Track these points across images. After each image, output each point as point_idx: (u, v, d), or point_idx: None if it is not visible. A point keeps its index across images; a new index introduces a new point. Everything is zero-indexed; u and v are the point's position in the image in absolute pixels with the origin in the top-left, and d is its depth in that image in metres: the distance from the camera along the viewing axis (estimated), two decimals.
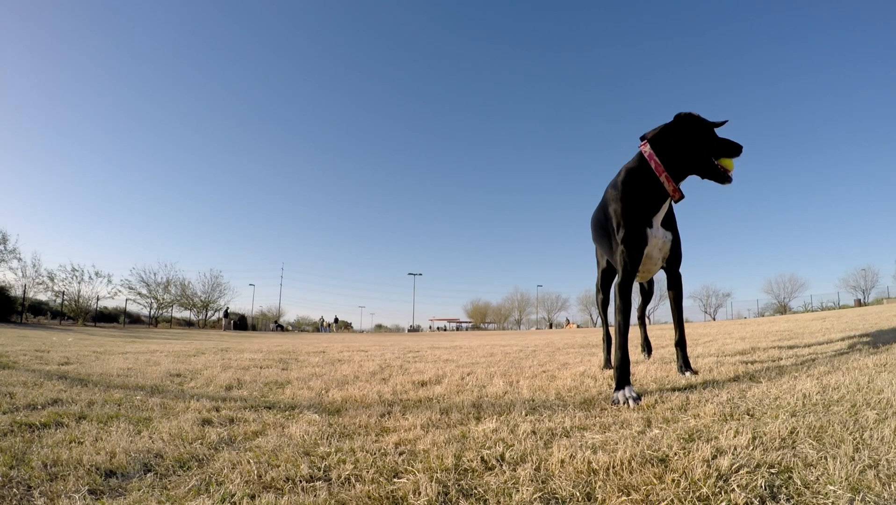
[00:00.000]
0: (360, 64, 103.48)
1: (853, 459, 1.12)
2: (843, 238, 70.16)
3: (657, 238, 2.50)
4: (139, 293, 36.10)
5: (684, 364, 2.72)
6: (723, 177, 2.29)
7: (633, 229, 2.41)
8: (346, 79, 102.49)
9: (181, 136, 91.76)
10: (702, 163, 2.32)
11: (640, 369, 3.01)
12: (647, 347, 3.78)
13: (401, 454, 1.35)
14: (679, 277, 2.71)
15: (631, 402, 1.96)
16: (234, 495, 1.06)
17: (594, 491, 1.04)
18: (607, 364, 3.29)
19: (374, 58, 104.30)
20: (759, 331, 7.68)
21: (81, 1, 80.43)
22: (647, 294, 3.65)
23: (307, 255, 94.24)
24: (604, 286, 3.34)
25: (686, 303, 2.92)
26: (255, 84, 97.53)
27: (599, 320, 3.52)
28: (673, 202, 2.51)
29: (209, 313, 40.88)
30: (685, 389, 2.27)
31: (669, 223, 2.58)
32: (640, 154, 2.47)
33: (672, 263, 2.66)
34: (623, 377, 2.16)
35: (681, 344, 2.77)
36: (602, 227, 2.73)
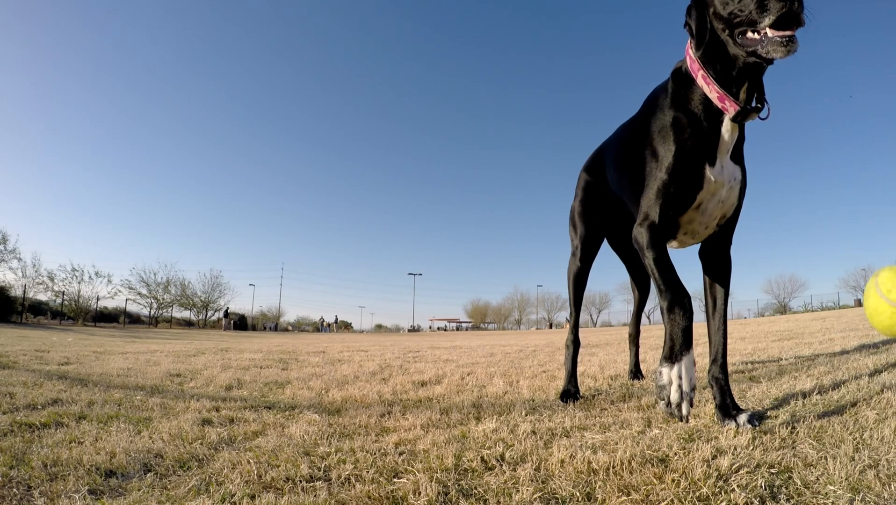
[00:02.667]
0: (360, 65, 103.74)
1: (853, 459, 1.12)
2: (843, 238, 70.38)
3: (720, 181, 1.56)
4: (139, 293, 36.19)
5: (731, 404, 1.60)
6: (773, 42, 1.27)
7: (687, 163, 1.55)
8: (346, 80, 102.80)
9: (181, 137, 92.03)
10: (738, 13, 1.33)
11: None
12: (637, 370, 2.79)
13: (401, 454, 1.35)
14: (728, 256, 1.75)
15: (685, 407, 1.44)
16: (234, 495, 1.06)
17: (594, 491, 1.04)
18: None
19: (374, 59, 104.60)
20: (759, 331, 7.67)
21: (81, 1, 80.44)
22: (643, 290, 2.74)
23: (307, 255, 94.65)
24: (586, 255, 2.29)
25: None
26: (254, 85, 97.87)
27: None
28: (729, 119, 1.51)
29: (209, 313, 40.94)
30: None
31: (738, 157, 1.63)
32: None
33: (727, 227, 1.70)
34: (686, 340, 1.56)
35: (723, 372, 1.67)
36: (628, 155, 1.84)
